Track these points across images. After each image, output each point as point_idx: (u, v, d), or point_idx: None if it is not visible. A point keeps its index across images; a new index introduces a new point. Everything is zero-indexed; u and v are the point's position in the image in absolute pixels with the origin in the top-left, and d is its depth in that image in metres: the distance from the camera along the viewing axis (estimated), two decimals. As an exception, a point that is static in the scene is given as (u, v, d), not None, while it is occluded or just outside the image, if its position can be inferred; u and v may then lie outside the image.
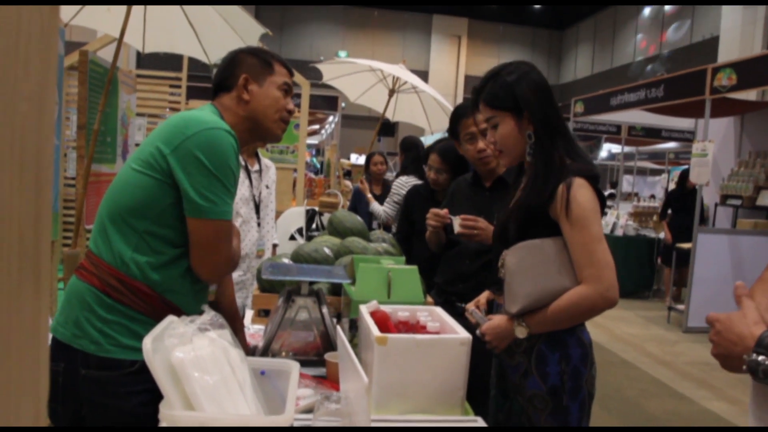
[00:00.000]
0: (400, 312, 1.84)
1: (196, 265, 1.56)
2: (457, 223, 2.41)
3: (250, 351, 2.05)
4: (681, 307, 7.18)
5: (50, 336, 1.55)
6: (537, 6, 24.67)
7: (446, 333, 1.70)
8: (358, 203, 5.73)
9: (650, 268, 8.98)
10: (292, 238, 4.32)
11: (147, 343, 1.09)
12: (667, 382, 5.14)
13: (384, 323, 1.73)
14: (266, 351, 1.97)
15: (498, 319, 1.83)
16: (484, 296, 2.03)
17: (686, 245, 7.40)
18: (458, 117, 2.63)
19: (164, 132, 1.55)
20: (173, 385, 1.09)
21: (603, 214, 1.75)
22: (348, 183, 11.32)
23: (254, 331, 2.27)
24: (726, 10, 14.14)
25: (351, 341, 2.01)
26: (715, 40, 14.86)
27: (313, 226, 5.23)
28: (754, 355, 1.10)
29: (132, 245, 1.52)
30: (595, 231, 1.66)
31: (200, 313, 1.67)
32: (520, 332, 1.75)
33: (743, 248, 7.01)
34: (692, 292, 6.87)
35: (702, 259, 6.87)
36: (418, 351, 1.57)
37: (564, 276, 1.70)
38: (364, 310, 1.77)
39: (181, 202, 1.51)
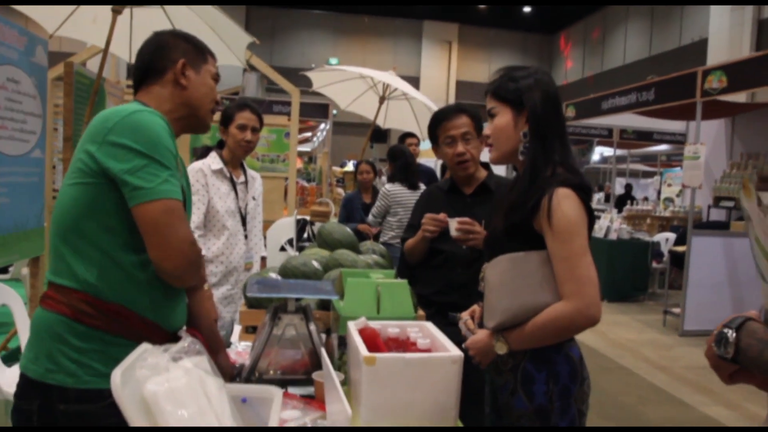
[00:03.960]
0: (390, 328, 1.78)
1: (157, 258, 1.43)
2: (453, 226, 2.36)
3: (237, 370, 1.99)
4: (677, 310, 7.14)
5: (19, 374, 1.47)
6: (527, 10, 24.71)
7: (437, 350, 1.65)
8: (350, 212, 5.68)
9: (645, 271, 8.94)
10: (283, 249, 4.26)
11: (116, 376, 1.03)
12: (665, 388, 5.09)
13: (373, 341, 1.67)
14: (253, 370, 1.91)
15: (480, 334, 1.78)
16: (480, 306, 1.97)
17: (680, 248, 7.37)
18: (438, 120, 2.59)
19: (87, 134, 1.46)
20: (146, 420, 1.03)
21: (591, 227, 1.68)
22: (340, 191, 11.27)
23: (242, 348, 2.20)
24: (714, 12, 14.19)
25: (340, 358, 1.95)
26: (704, 43, 14.91)
27: (305, 235, 5.18)
28: (724, 330, 1.13)
29: (94, 263, 1.43)
30: (578, 244, 1.60)
31: (177, 333, 1.62)
32: (500, 348, 1.69)
33: (737, 250, 6.98)
34: (687, 295, 6.83)
35: (696, 261, 6.83)
36: (408, 370, 1.51)
37: (546, 291, 1.63)
38: (352, 327, 1.71)
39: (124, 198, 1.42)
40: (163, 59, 1.63)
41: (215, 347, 1.84)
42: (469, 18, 25.08)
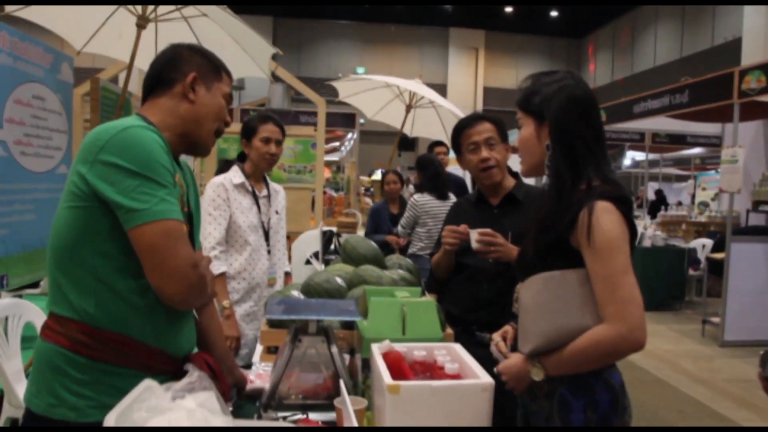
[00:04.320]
0: (416, 351, 1.68)
1: (157, 283, 1.34)
2: (473, 237, 2.27)
3: (257, 393, 1.92)
4: (716, 319, 6.89)
5: (24, 408, 1.41)
6: (554, 15, 24.45)
7: (466, 375, 1.55)
8: (377, 222, 5.60)
9: (681, 278, 8.67)
10: (308, 262, 4.19)
11: (110, 420, 0.95)
12: (707, 402, 4.88)
13: (398, 365, 1.58)
14: (273, 394, 1.83)
15: (514, 358, 1.68)
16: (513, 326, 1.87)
17: (719, 255, 7.12)
18: (460, 129, 2.52)
19: (79, 154, 1.39)
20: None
21: (633, 242, 1.56)
22: (368, 200, 11.22)
23: (262, 370, 2.13)
24: (748, 10, 13.82)
25: (364, 382, 1.86)
26: (737, 42, 14.54)
27: (332, 247, 5.10)
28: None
29: (90, 290, 1.36)
30: (620, 262, 1.48)
31: (186, 357, 1.55)
32: (536, 374, 1.59)
33: (779, 256, 6.72)
34: (728, 303, 6.59)
35: (736, 269, 6.59)
36: (435, 399, 1.41)
37: (585, 313, 1.52)
38: (376, 351, 1.62)
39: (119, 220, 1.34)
40: (174, 71, 1.56)
41: (228, 365, 1.79)
42: (495, 24, 24.91)
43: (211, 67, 1.61)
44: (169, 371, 1.48)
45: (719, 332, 6.67)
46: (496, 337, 1.82)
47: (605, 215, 1.49)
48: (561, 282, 1.56)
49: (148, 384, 1.13)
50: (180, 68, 1.56)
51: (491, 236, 2.23)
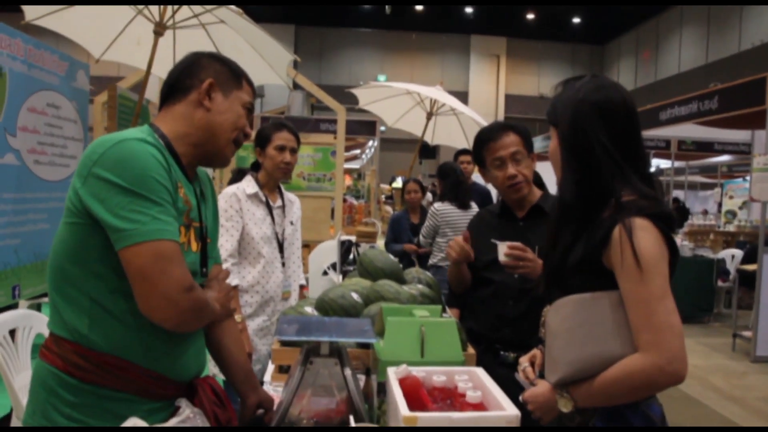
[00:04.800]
0: (435, 376, 1.56)
1: (145, 309, 1.25)
2: (502, 250, 2.14)
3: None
4: (747, 333, 6.65)
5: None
6: (576, 21, 24.22)
7: (489, 405, 1.42)
8: (397, 232, 5.49)
9: (710, 290, 8.42)
10: (325, 273, 4.09)
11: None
12: (740, 422, 4.67)
13: (415, 392, 1.47)
14: (283, 418, 1.72)
15: (542, 386, 1.54)
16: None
17: (750, 266, 6.89)
18: (484, 141, 2.37)
19: (78, 167, 1.32)
20: None
21: (674, 264, 1.41)
22: (389, 209, 11.12)
23: (273, 391, 2.02)
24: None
25: (380, 407, 1.75)
26: (765, 48, 14.22)
27: (351, 257, 5.00)
28: None
29: (84, 311, 1.28)
30: (657, 285, 1.33)
31: (192, 382, 1.45)
32: (564, 405, 1.46)
33: (814, 269, 6.46)
34: (760, 317, 6.35)
35: (769, 281, 6.35)
36: (456, 433, 1.30)
37: (618, 341, 1.38)
38: (392, 376, 1.50)
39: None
40: (191, 77, 1.48)
41: (251, 384, 1.70)
42: (516, 31, 24.75)
43: (231, 75, 1.53)
44: (171, 396, 1.39)
45: (751, 347, 6.43)
46: (524, 361, 1.70)
47: (642, 233, 1.35)
48: (592, 306, 1.43)
49: (133, 422, 1.02)
50: (197, 75, 1.48)
51: (521, 250, 2.11)
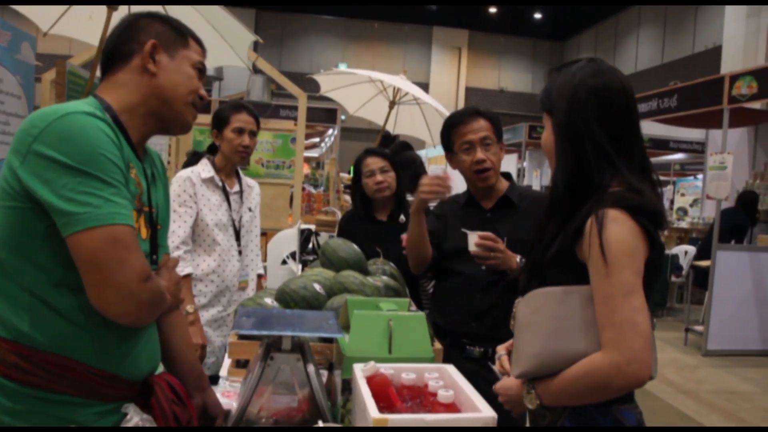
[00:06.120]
0: (405, 373, 1.47)
1: (98, 301, 1.12)
2: (473, 240, 2.06)
3: (224, 414, 1.69)
4: (699, 328, 6.78)
5: None
6: (537, 17, 24.40)
7: (462, 405, 1.34)
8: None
9: (664, 285, 8.57)
10: (284, 262, 3.96)
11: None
12: (693, 416, 4.73)
13: (384, 391, 1.37)
14: (241, 417, 1.61)
15: (513, 380, 1.48)
16: None
17: (704, 263, 7.02)
18: (453, 125, 2.30)
19: (13, 143, 1.16)
20: None
21: (657, 261, 1.34)
22: (348, 198, 10.98)
23: (230, 387, 1.90)
24: (728, 19, 13.83)
25: (344, 405, 1.65)
26: (717, 51, 14.55)
27: (309, 246, 4.89)
28: None
29: (24, 306, 1.13)
30: (623, 280, 1.26)
31: (147, 380, 1.32)
32: (530, 401, 1.39)
33: (765, 265, 6.63)
34: (712, 312, 6.48)
35: (721, 277, 6.48)
36: (429, 436, 1.20)
37: (586, 338, 1.31)
38: (359, 374, 1.40)
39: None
40: (130, 41, 1.33)
41: (199, 385, 1.56)
42: (479, 24, 24.78)
43: (175, 34, 1.38)
44: (126, 397, 1.25)
45: (702, 341, 6.57)
46: (501, 350, 1.62)
47: (613, 225, 1.28)
48: (563, 300, 1.36)
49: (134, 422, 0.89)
50: (137, 38, 1.34)
51: (493, 240, 2.03)
